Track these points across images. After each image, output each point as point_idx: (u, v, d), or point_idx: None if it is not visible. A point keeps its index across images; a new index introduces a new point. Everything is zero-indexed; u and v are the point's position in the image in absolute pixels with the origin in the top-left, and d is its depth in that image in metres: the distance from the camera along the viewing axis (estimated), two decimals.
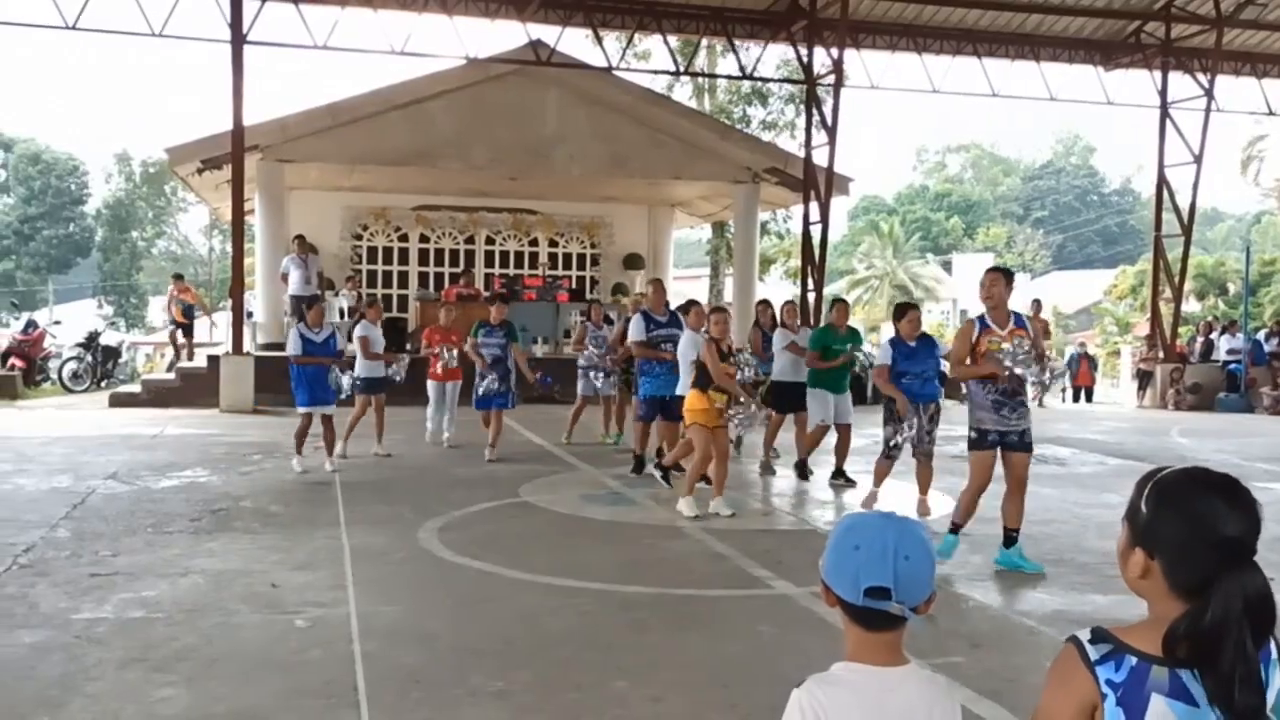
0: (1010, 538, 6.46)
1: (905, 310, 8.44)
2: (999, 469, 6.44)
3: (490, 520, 7.99)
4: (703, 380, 7.94)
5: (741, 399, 8.05)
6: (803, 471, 9.73)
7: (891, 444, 8.24)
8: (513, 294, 20.50)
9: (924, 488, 8.31)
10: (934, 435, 8.31)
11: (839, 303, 9.84)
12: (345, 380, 10.19)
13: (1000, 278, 6.51)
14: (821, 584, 1.78)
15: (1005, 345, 6.22)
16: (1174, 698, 1.53)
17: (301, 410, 10.02)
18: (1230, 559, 1.53)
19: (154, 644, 4.92)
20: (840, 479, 9.55)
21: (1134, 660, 1.56)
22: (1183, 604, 1.55)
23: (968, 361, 6.40)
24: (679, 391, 8.64)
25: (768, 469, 10.07)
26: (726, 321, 8.27)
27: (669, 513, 8.08)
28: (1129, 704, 1.55)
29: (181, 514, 7.96)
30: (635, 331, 9.68)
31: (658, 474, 9.07)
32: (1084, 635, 1.60)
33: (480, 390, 10.72)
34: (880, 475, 8.47)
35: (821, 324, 10.65)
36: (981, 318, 6.44)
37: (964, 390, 6.78)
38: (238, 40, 15.51)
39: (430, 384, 11.76)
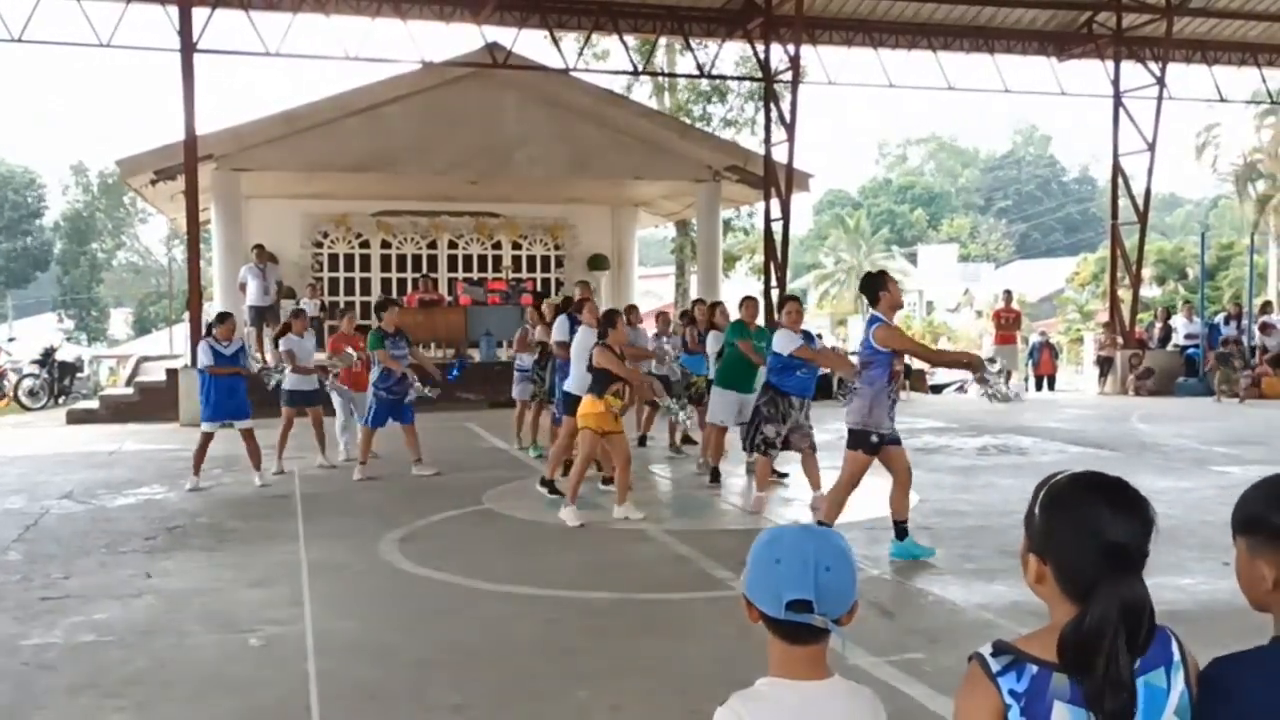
0: (902, 530, 6.57)
1: (786, 301, 8.58)
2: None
3: (452, 529, 7.94)
4: (598, 386, 7.82)
5: (659, 399, 8.04)
6: (715, 478, 9.57)
7: (768, 441, 8.20)
8: (476, 297, 20.52)
9: (815, 483, 8.26)
10: (812, 428, 8.41)
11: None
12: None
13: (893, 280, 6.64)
14: (743, 599, 1.77)
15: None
16: (1075, 704, 1.54)
17: (203, 427, 9.86)
18: (1112, 565, 1.55)
19: (105, 668, 4.84)
20: (773, 475, 9.58)
21: (1034, 669, 1.57)
22: (1074, 609, 1.56)
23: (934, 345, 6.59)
24: (567, 386, 8.59)
25: (705, 468, 9.96)
26: (623, 327, 8.15)
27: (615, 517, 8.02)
28: (1032, 713, 1.55)
29: (137, 533, 7.85)
30: (558, 332, 9.66)
31: (543, 490, 8.88)
32: (986, 649, 1.61)
33: (414, 395, 10.18)
34: (764, 476, 8.39)
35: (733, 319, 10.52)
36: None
37: (844, 386, 6.92)
38: (187, 49, 15.31)
39: (339, 394, 11.26)
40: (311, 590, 6.11)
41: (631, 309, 11.84)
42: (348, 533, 7.72)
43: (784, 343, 8.20)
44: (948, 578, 6.18)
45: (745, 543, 6.18)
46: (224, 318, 10.27)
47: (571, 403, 9.39)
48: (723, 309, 10.85)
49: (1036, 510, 1.68)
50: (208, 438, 9.85)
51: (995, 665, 1.59)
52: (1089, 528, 1.59)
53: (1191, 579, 5.95)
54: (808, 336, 8.54)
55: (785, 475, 9.49)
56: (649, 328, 13.17)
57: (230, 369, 9.80)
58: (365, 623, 5.58)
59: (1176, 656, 1.62)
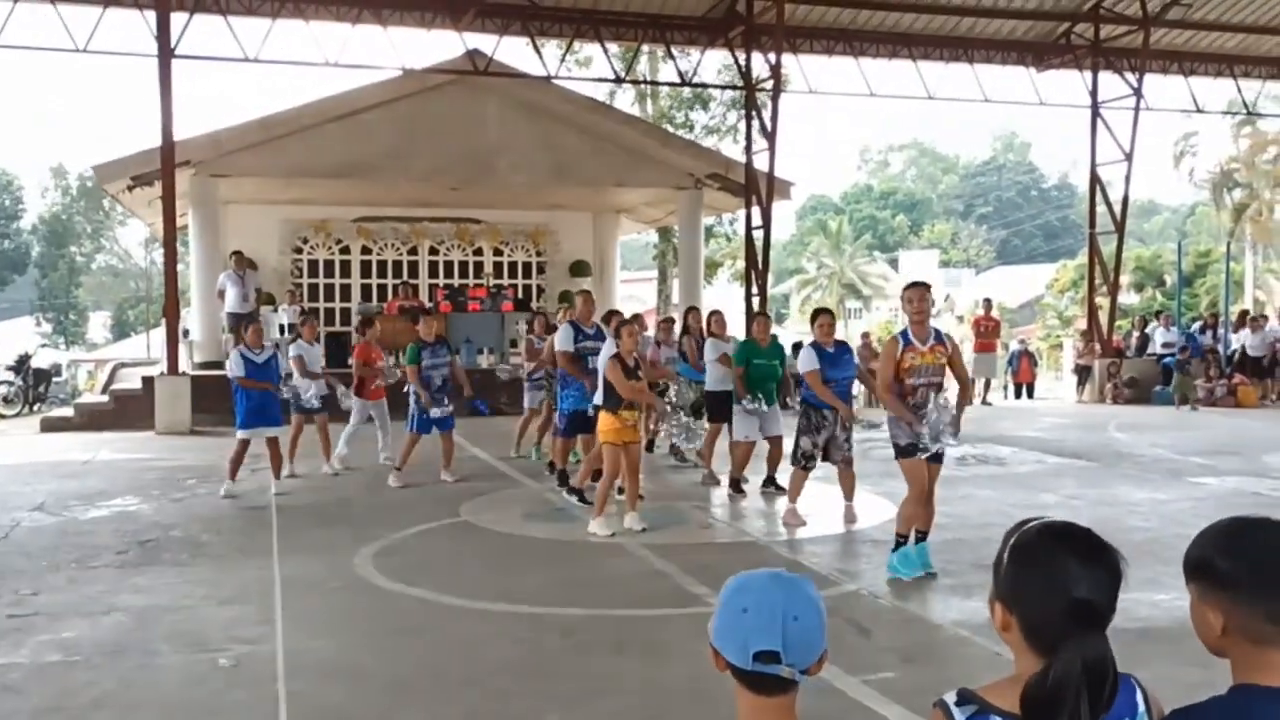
0: (920, 536, 6.53)
1: (818, 315, 8.42)
2: None
3: (429, 543, 7.88)
4: (612, 401, 7.81)
5: (669, 409, 7.98)
6: (738, 488, 9.56)
7: (806, 454, 8.12)
8: (456, 304, 20.41)
9: (849, 493, 8.26)
10: (851, 440, 8.28)
11: (759, 316, 9.70)
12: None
13: (926, 293, 6.54)
14: (710, 648, 1.73)
15: (929, 407, 6.27)
16: None
17: (240, 434, 9.83)
18: (1078, 621, 1.53)
19: (71, 690, 4.77)
20: (771, 486, 9.53)
21: None
22: (1039, 660, 1.55)
23: (893, 386, 6.44)
24: (596, 402, 8.56)
25: (711, 480, 10.02)
26: (636, 334, 8.16)
27: (624, 526, 7.99)
28: None
29: (108, 546, 7.75)
30: (561, 342, 9.62)
31: (573, 498, 8.97)
32: (950, 698, 1.60)
33: (435, 414, 10.14)
34: (796, 490, 8.28)
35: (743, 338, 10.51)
36: (905, 333, 6.47)
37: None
38: (165, 54, 15.18)
39: (357, 401, 11.33)
40: (284, 608, 6.04)
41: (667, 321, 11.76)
42: (323, 546, 7.65)
43: (802, 362, 8.16)
44: (924, 593, 6.17)
45: (723, 558, 6.21)
46: (250, 319, 10.24)
47: (577, 421, 9.38)
48: (719, 318, 10.72)
49: (1004, 558, 1.66)
50: (244, 444, 9.80)
51: (959, 715, 1.57)
52: (1056, 582, 1.56)
53: (1166, 594, 5.94)
54: (842, 348, 8.26)
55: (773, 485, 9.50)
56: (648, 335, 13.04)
57: (260, 384, 9.73)
58: (338, 642, 5.52)
59: (1141, 707, 1.60)
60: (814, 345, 8.17)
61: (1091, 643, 1.52)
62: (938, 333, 6.50)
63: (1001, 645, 4.75)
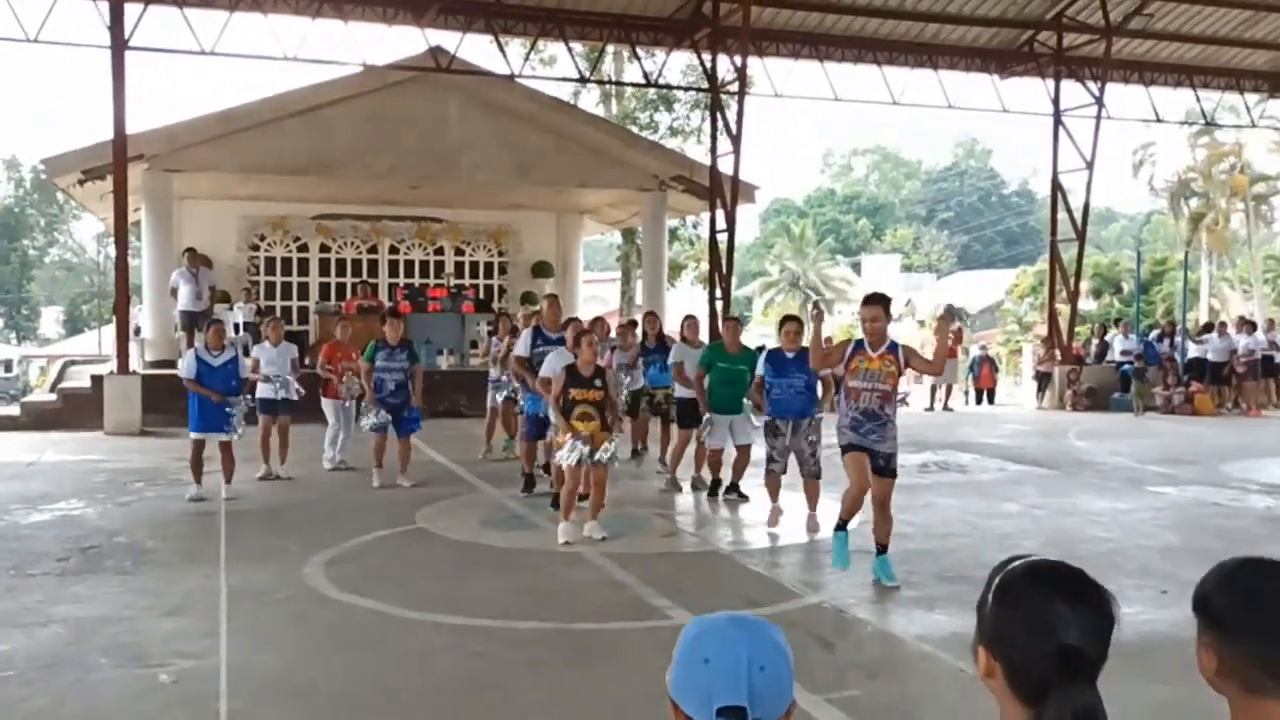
0: (880, 549, 6.54)
1: (785, 321, 8.39)
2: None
3: (382, 551, 7.68)
4: (563, 412, 7.64)
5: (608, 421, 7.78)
6: (714, 490, 9.48)
7: (768, 457, 8.19)
8: (416, 304, 20.16)
9: (812, 503, 8.20)
10: (817, 453, 8.18)
11: (730, 321, 9.45)
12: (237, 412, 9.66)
13: (882, 312, 6.49)
14: (670, 702, 1.59)
15: (873, 368, 6.31)
16: None
17: (193, 435, 9.55)
18: (1065, 670, 1.41)
19: (3, 707, 4.55)
20: (734, 494, 9.41)
21: None
22: (1025, 711, 1.44)
23: (829, 361, 6.68)
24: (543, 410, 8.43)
25: (674, 487, 9.89)
26: (596, 346, 7.97)
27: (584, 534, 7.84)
28: None
29: (49, 553, 7.48)
30: (519, 347, 9.48)
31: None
32: None
33: (367, 425, 10.11)
34: (774, 490, 8.35)
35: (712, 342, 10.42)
36: (860, 342, 6.47)
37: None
38: (119, 46, 14.82)
39: (327, 402, 11.26)
40: (229, 620, 5.83)
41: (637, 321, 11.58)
42: (272, 554, 7.44)
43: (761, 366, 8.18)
44: (888, 605, 6.08)
45: (684, 566, 6.07)
46: (208, 318, 9.99)
47: (539, 423, 9.28)
48: (692, 323, 10.58)
49: (989, 600, 1.54)
50: (199, 445, 9.48)
51: None
52: (1044, 628, 1.44)
53: (1131, 608, 5.87)
54: (803, 355, 8.04)
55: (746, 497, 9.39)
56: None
57: (206, 391, 9.36)
58: (284, 657, 5.33)
59: None
60: (770, 353, 8.27)
61: (1080, 693, 1.40)
62: (893, 344, 6.47)
63: (965, 661, 4.63)
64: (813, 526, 8.03)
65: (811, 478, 8.13)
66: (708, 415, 9.08)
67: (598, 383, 7.72)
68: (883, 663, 5.13)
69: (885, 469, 6.39)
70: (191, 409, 9.56)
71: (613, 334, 12.43)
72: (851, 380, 6.38)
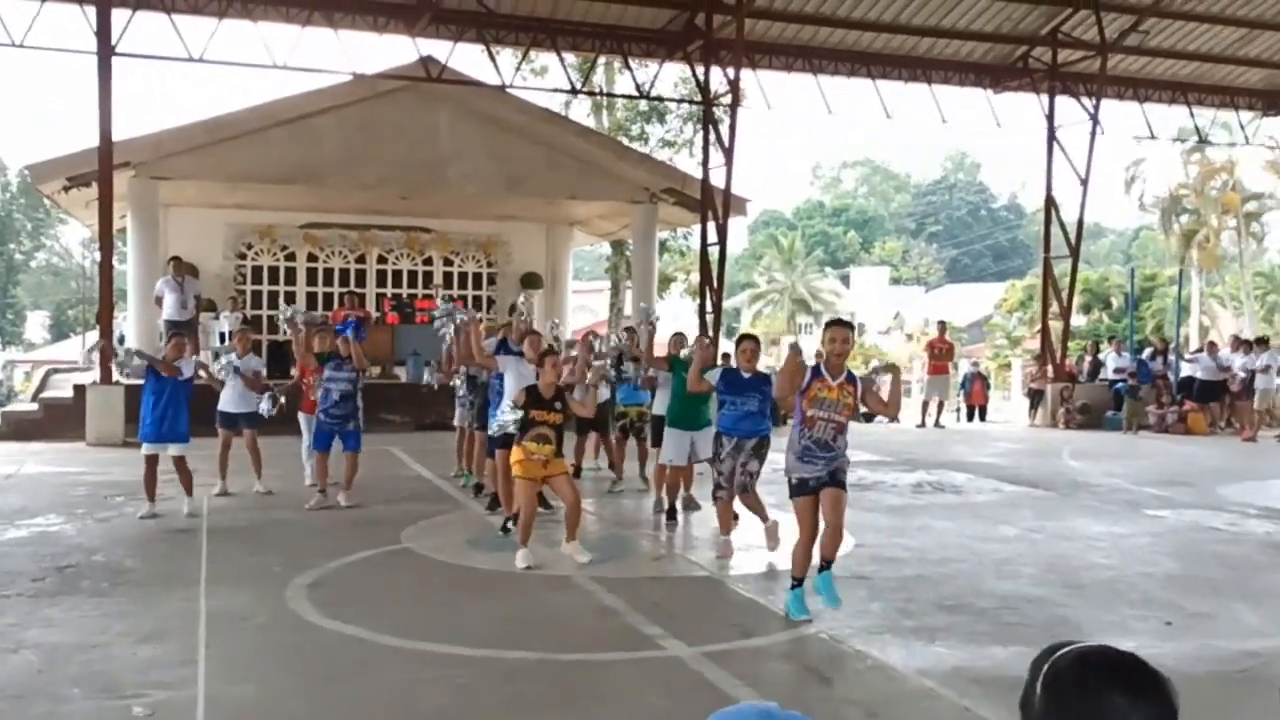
0: (824, 565, 6.21)
1: (742, 340, 8.19)
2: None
3: (367, 573, 7.49)
4: (520, 430, 7.45)
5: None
6: (672, 513, 9.28)
7: (715, 484, 7.89)
8: (404, 315, 19.97)
9: (760, 516, 7.88)
10: (752, 469, 7.81)
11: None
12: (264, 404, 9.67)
13: (849, 334, 6.35)
14: None
15: (831, 398, 6.10)
16: None
17: (144, 450, 9.31)
18: None
19: None
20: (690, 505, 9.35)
21: None
22: None
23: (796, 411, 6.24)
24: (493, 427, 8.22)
25: (661, 507, 9.70)
26: (559, 367, 7.79)
27: (556, 556, 7.67)
28: None
29: (23, 572, 7.27)
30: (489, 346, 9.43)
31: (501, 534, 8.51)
32: None
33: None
34: (723, 520, 7.98)
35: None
36: (818, 367, 6.21)
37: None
38: (105, 52, 14.64)
39: (303, 417, 11.01)
40: (208, 647, 5.63)
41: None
42: (254, 575, 7.24)
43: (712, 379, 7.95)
44: (886, 636, 5.91)
45: (675, 592, 5.88)
46: (174, 336, 9.81)
47: (500, 440, 9.08)
48: (679, 340, 10.43)
49: (1038, 691, 1.38)
50: (152, 460, 9.26)
51: None
52: None
53: (1135, 641, 5.74)
54: (759, 379, 7.89)
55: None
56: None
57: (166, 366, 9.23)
58: (263, 687, 5.14)
59: None
60: (726, 370, 8.04)
61: None
62: (851, 374, 6.24)
63: (970, 699, 4.44)
64: (772, 539, 7.74)
65: (742, 491, 7.81)
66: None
67: (558, 405, 7.53)
68: (883, 700, 4.96)
69: (831, 480, 6.09)
70: (143, 416, 9.32)
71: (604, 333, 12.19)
72: (809, 408, 6.11)
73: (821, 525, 6.13)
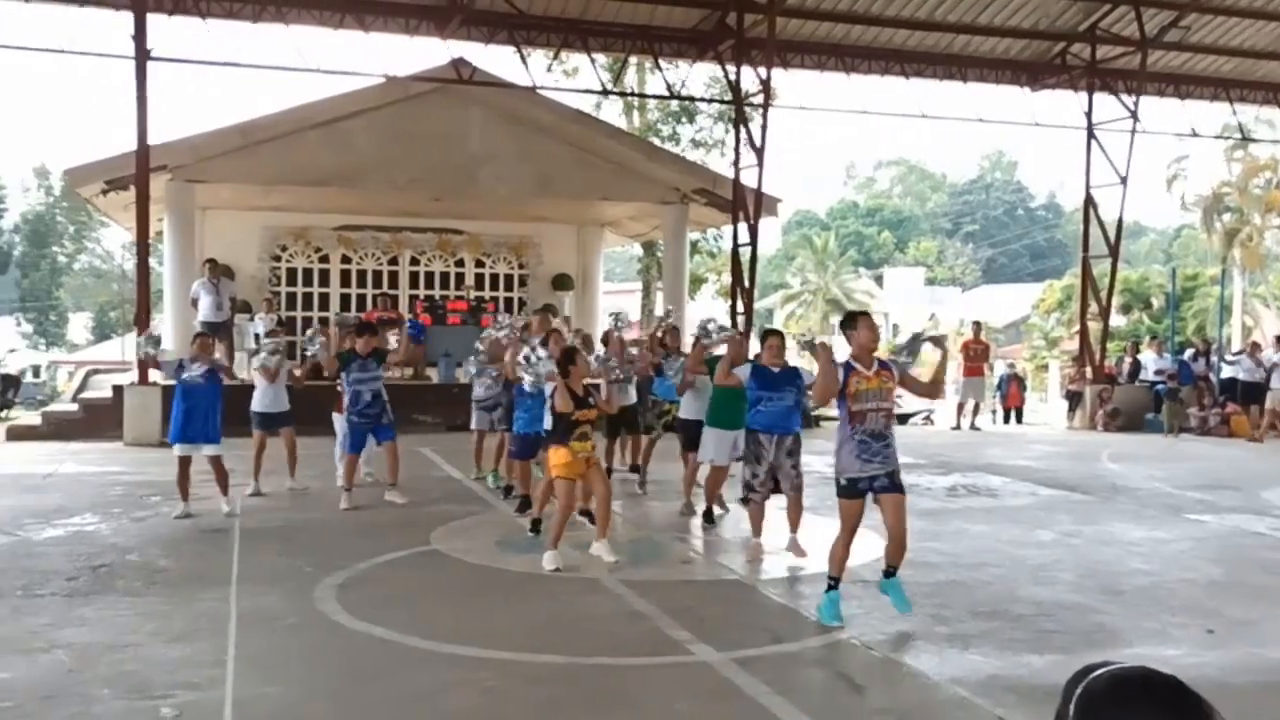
0: (889, 571, 6.23)
1: (767, 336, 8.08)
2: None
3: (396, 574, 7.49)
4: (562, 432, 7.45)
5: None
6: (710, 515, 9.18)
7: (747, 485, 7.76)
8: (436, 316, 20.02)
9: (794, 524, 7.80)
10: (799, 467, 7.85)
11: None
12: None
13: (871, 323, 6.30)
14: None
15: (872, 387, 6.06)
16: None
17: (176, 451, 9.35)
18: None
19: None
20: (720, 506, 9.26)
21: None
22: None
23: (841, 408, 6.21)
24: (546, 426, 8.16)
25: (689, 510, 9.63)
26: (584, 366, 7.77)
27: (585, 559, 7.63)
28: None
29: (59, 572, 7.33)
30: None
31: (531, 535, 8.47)
32: None
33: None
34: (757, 522, 7.88)
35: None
36: (847, 363, 6.16)
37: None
38: (141, 56, 14.79)
39: (337, 417, 11.05)
40: (237, 647, 5.64)
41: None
42: (284, 576, 7.25)
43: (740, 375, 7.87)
44: (920, 644, 5.81)
45: (705, 596, 5.81)
46: (198, 336, 9.87)
47: (529, 442, 9.11)
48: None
49: (1071, 714, 1.31)
50: (183, 462, 9.31)
51: None
52: None
53: (1176, 649, 5.62)
54: (789, 373, 7.85)
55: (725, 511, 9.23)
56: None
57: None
58: (291, 689, 5.13)
59: None
60: (755, 367, 7.87)
61: None
62: (882, 361, 6.22)
63: (1004, 708, 4.34)
64: (798, 551, 7.66)
65: (795, 492, 7.80)
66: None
67: (590, 401, 7.55)
68: (915, 709, 4.87)
69: (893, 485, 6.06)
70: (174, 418, 9.36)
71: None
72: (854, 404, 6.05)
73: (888, 533, 6.14)
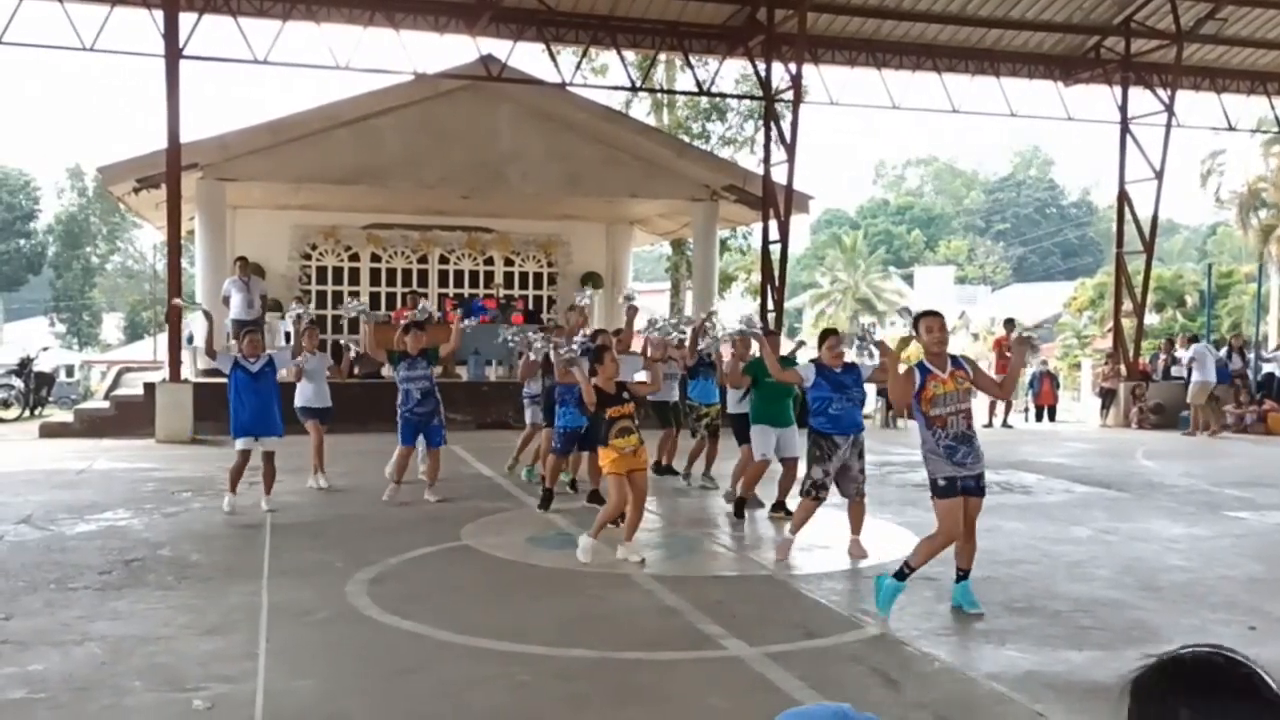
0: (961, 575, 6.21)
1: (826, 336, 7.95)
2: None
3: (427, 569, 7.47)
4: (603, 435, 7.43)
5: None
6: (740, 510, 9.14)
7: (817, 484, 7.61)
8: (467, 313, 20.02)
9: (856, 527, 7.73)
10: (864, 470, 7.79)
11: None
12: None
13: (943, 321, 6.19)
14: None
15: (950, 390, 5.96)
16: None
17: (237, 446, 9.39)
18: None
19: None
20: (780, 512, 9.05)
21: None
22: None
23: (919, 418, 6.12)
24: (566, 421, 8.16)
25: (755, 503, 9.52)
26: (616, 362, 7.69)
27: (616, 557, 7.58)
28: None
29: (92, 566, 7.37)
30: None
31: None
32: None
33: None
34: (800, 520, 7.74)
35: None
36: (921, 364, 6.06)
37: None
38: (173, 55, 14.90)
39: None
40: (269, 640, 5.64)
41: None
42: (316, 570, 7.26)
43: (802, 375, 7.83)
44: (955, 639, 5.73)
45: (737, 592, 5.74)
46: (248, 333, 9.83)
47: (572, 438, 9.10)
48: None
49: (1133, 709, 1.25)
50: (244, 455, 9.32)
51: None
52: None
53: None
54: (850, 371, 7.72)
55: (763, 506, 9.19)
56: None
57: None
58: (322, 682, 5.12)
59: None
60: (820, 368, 7.72)
61: None
62: (954, 359, 6.12)
63: (1042, 704, 4.25)
64: (859, 553, 7.60)
65: (860, 497, 7.74)
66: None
67: (625, 396, 7.50)
68: (953, 704, 4.79)
69: (977, 489, 6.03)
70: (235, 411, 9.34)
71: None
72: (931, 409, 5.95)
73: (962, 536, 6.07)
